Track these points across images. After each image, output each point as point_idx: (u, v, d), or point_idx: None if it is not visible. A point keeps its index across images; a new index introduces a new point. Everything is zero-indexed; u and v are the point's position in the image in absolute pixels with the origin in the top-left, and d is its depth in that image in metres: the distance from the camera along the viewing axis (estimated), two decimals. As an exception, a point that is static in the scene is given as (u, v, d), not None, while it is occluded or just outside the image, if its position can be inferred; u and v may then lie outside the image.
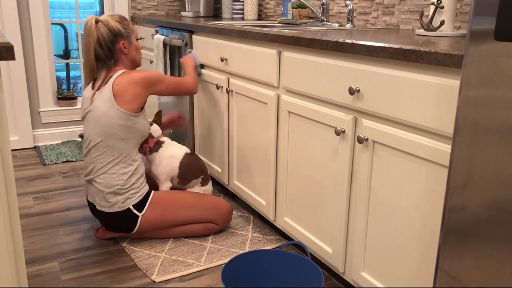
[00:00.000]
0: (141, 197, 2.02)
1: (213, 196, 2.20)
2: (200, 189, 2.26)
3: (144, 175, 2.07)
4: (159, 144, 2.17)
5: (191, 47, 2.66)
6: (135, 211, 2.00)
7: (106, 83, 2.00)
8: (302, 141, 1.82)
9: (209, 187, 2.31)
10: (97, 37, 1.98)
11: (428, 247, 1.33)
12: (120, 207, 1.99)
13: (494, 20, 0.93)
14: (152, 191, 2.08)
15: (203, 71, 2.54)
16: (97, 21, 2.00)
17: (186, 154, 2.21)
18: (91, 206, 2.07)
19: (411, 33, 1.83)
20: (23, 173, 2.90)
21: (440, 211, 1.28)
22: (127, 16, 3.60)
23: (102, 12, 3.68)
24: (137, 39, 2.13)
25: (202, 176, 2.27)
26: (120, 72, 2.01)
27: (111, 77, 2.00)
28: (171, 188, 2.22)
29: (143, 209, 2.01)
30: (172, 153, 2.17)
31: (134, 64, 2.13)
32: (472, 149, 1.01)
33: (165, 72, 2.88)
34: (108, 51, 2.01)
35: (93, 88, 2.03)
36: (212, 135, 2.55)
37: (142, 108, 2.04)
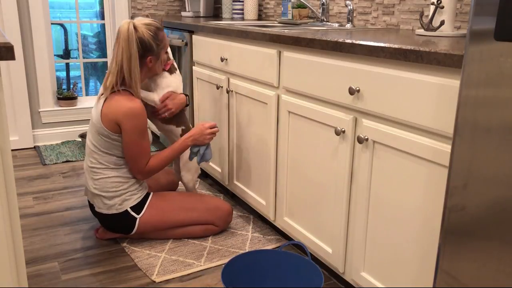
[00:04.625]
0: (139, 199, 2.01)
1: (213, 197, 2.19)
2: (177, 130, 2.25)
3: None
4: (174, 67, 2.17)
5: (191, 47, 2.65)
6: (132, 213, 2.00)
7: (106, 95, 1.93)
8: (302, 141, 1.82)
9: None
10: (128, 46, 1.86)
11: (428, 247, 1.33)
12: (118, 209, 1.98)
13: (494, 20, 0.93)
14: (151, 193, 2.08)
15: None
16: (134, 28, 1.87)
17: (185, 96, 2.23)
18: (91, 206, 2.07)
19: (411, 33, 1.83)
20: (23, 173, 2.90)
21: (440, 211, 1.28)
22: (126, 16, 3.60)
23: (102, 12, 3.67)
24: (166, 52, 2.04)
25: (183, 128, 2.25)
26: (119, 89, 1.91)
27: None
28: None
29: (141, 211, 2.01)
30: (177, 84, 2.17)
31: (151, 75, 2.06)
32: (472, 149, 1.01)
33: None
34: None
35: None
36: (212, 135, 2.55)
37: None
